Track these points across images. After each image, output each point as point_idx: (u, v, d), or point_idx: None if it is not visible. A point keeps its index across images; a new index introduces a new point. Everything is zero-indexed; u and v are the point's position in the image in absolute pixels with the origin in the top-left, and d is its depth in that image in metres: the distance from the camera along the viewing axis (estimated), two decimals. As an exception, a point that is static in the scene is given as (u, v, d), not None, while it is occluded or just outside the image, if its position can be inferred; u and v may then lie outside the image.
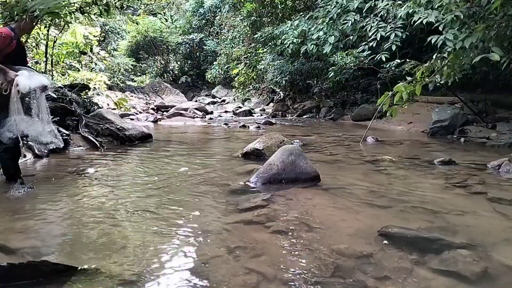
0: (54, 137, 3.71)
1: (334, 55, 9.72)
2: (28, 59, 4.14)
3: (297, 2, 13.08)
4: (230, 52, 17.89)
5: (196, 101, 18.36)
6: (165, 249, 2.22)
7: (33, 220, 2.70)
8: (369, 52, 8.50)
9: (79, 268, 1.92)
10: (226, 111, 14.53)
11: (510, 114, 7.39)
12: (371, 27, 7.94)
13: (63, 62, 11.56)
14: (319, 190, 3.45)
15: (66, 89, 7.05)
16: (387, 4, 7.65)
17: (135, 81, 20.25)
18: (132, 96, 16.80)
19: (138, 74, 21.75)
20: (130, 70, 20.25)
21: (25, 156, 4.67)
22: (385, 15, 7.85)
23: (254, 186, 3.54)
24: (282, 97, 14.70)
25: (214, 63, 20.19)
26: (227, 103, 18.56)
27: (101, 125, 6.31)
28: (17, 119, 3.32)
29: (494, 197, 3.14)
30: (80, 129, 6.02)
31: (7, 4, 4.05)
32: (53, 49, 9.14)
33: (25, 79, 3.30)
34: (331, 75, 10.19)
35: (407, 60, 6.19)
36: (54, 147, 4.45)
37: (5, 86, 3.26)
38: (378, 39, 7.80)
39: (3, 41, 3.26)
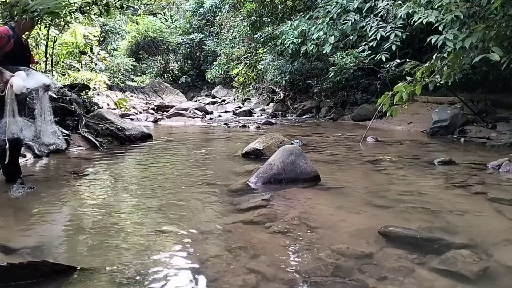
0: (57, 138, 3.67)
1: (334, 55, 9.72)
2: (34, 59, 4.09)
3: (297, 2, 13.08)
4: (230, 52, 17.87)
5: (196, 101, 18.35)
6: (165, 249, 2.23)
7: (33, 220, 2.70)
8: (369, 52, 8.49)
9: (79, 268, 1.92)
10: (226, 111, 14.53)
11: (510, 114, 7.38)
12: (371, 27, 7.95)
13: (63, 62, 11.54)
14: (319, 190, 3.45)
15: (66, 89, 7.04)
16: (387, 4, 7.66)
17: (135, 81, 20.22)
18: (132, 96, 16.80)
19: (138, 74, 21.73)
20: (130, 70, 20.23)
21: (25, 156, 4.66)
22: (385, 15, 7.87)
23: (254, 186, 3.54)
24: (282, 97, 14.69)
25: (214, 63, 20.16)
26: (227, 103, 18.56)
27: (101, 125, 6.32)
28: (9, 121, 3.22)
29: (494, 197, 3.14)
30: (80, 129, 6.01)
31: (7, 4, 4.04)
32: (53, 49, 9.13)
33: (20, 80, 3.20)
34: (331, 75, 10.19)
35: (407, 60, 6.18)
36: (56, 147, 4.42)
37: (1, 87, 3.20)
38: (378, 39, 7.80)
39: None
